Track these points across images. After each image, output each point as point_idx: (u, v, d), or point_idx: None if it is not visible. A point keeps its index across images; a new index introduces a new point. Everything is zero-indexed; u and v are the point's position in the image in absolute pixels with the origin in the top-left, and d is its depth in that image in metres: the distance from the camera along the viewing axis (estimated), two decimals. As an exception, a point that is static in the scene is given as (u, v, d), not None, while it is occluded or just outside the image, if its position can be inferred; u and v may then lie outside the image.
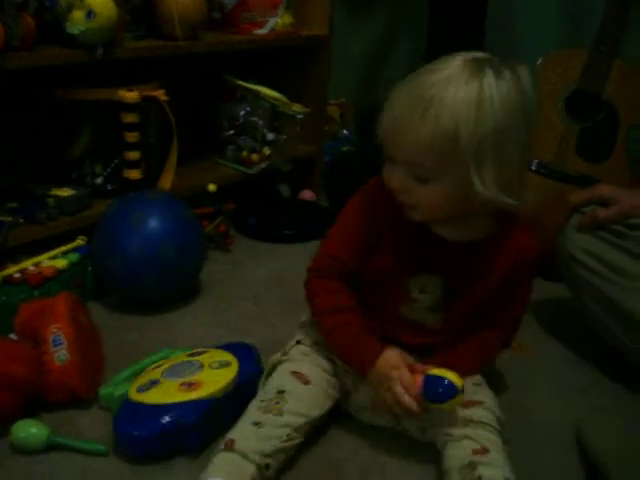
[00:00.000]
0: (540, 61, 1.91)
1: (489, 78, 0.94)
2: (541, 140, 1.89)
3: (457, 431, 1.01)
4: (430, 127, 0.94)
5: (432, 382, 0.99)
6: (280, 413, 1.00)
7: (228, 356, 1.18)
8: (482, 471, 0.93)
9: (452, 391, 0.98)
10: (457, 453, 0.98)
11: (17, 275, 1.34)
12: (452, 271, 1.09)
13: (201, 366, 1.14)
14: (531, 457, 1.10)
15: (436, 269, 1.10)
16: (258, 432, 0.97)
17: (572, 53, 1.88)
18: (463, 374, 1.07)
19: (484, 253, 1.09)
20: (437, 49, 2.35)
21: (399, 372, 1.01)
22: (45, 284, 1.34)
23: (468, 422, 1.01)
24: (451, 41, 2.13)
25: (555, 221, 1.40)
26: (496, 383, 1.27)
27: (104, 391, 1.15)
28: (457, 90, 0.94)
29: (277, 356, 1.14)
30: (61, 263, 1.40)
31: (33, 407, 1.11)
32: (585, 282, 1.30)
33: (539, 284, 1.69)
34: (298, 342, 1.17)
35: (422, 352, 1.13)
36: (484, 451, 0.96)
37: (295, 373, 1.07)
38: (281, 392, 1.03)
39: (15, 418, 1.06)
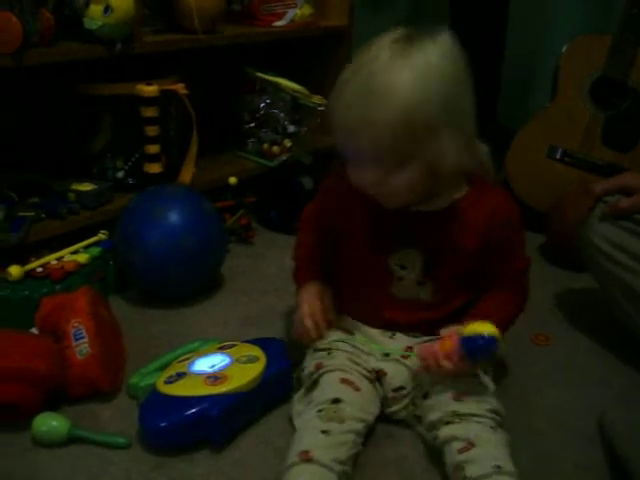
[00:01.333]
0: (565, 48, 1.89)
1: (416, 56, 0.95)
2: (566, 128, 1.87)
3: (443, 433, 0.99)
4: (387, 113, 0.94)
5: (475, 343, 0.99)
6: (342, 420, 0.99)
7: (257, 351, 1.17)
8: (467, 470, 0.92)
9: (493, 343, 0.98)
10: (447, 459, 0.97)
11: (39, 270, 1.35)
12: (427, 241, 1.09)
13: (229, 360, 1.14)
14: (553, 448, 1.08)
15: (411, 242, 1.10)
16: (328, 440, 0.96)
17: (597, 39, 1.85)
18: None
19: (454, 218, 1.09)
20: (459, 41, 2.34)
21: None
22: (67, 278, 1.35)
23: (454, 417, 0.99)
24: (473, 33, 2.10)
25: (581, 210, 1.38)
26: (518, 373, 1.27)
27: (131, 380, 1.16)
28: (393, 76, 0.94)
29: (314, 368, 1.12)
30: (83, 257, 1.41)
31: (54, 400, 1.12)
32: (609, 273, 1.28)
33: (563, 274, 1.69)
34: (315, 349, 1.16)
35: (424, 329, 1.14)
36: (469, 447, 0.94)
37: (345, 380, 1.06)
38: (337, 401, 1.02)
39: (37, 412, 1.07)
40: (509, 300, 1.15)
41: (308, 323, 1.12)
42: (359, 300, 1.18)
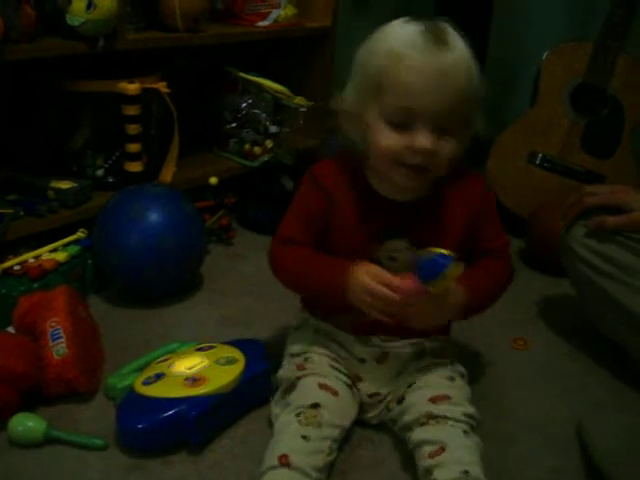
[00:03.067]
0: (546, 55, 1.90)
1: (458, 41, 1.01)
2: (546, 134, 1.88)
3: (415, 436, 0.99)
4: (464, 73, 0.99)
5: (423, 262, 0.97)
6: (319, 425, 0.99)
7: (235, 352, 1.17)
8: (435, 474, 0.92)
9: (446, 259, 0.96)
10: (418, 463, 0.97)
11: (17, 268, 1.34)
12: (414, 230, 1.09)
13: (208, 362, 1.14)
14: (531, 453, 1.09)
15: (398, 232, 1.09)
16: (307, 446, 0.96)
17: (578, 46, 1.87)
18: (479, 295, 1.08)
19: (438, 205, 1.10)
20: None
21: (381, 278, 1.00)
22: (45, 277, 1.33)
23: (430, 418, 1.00)
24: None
25: (565, 216, 1.37)
26: (497, 377, 1.27)
27: (109, 381, 1.15)
28: (456, 54, 0.99)
29: (292, 372, 1.11)
30: (61, 256, 1.40)
31: (31, 400, 1.11)
32: (584, 277, 1.29)
33: (543, 279, 1.70)
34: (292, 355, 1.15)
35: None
36: (440, 451, 0.94)
37: (323, 386, 1.06)
38: (315, 405, 1.02)
39: (13, 412, 1.06)
40: (495, 268, 1.13)
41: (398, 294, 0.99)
42: None
